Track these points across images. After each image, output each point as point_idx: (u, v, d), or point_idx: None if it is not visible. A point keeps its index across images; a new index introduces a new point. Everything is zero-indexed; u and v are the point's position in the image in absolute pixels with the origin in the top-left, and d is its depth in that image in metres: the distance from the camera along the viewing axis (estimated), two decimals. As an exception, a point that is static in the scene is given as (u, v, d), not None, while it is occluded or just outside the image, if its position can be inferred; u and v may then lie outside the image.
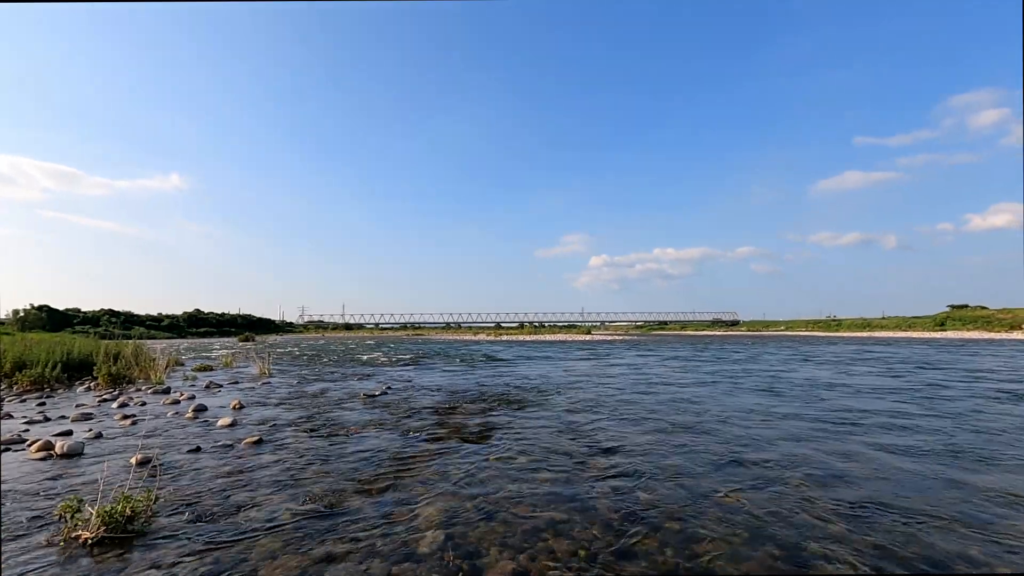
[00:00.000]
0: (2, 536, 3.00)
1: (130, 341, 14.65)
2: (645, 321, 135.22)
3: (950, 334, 60.13)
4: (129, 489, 3.31)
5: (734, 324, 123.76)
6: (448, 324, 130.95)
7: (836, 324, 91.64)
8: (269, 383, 11.53)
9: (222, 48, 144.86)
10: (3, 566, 2.63)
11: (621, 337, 57.08)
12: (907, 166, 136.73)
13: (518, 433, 5.99)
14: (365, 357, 22.47)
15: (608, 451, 5.10)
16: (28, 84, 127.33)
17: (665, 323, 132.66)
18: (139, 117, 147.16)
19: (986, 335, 54.82)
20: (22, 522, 3.19)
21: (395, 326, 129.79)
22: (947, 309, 79.23)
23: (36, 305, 65.75)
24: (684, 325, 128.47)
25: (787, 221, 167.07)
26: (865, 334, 67.63)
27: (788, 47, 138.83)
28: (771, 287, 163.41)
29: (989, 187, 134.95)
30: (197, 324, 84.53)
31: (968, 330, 63.15)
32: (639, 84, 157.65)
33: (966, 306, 77.81)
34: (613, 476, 4.23)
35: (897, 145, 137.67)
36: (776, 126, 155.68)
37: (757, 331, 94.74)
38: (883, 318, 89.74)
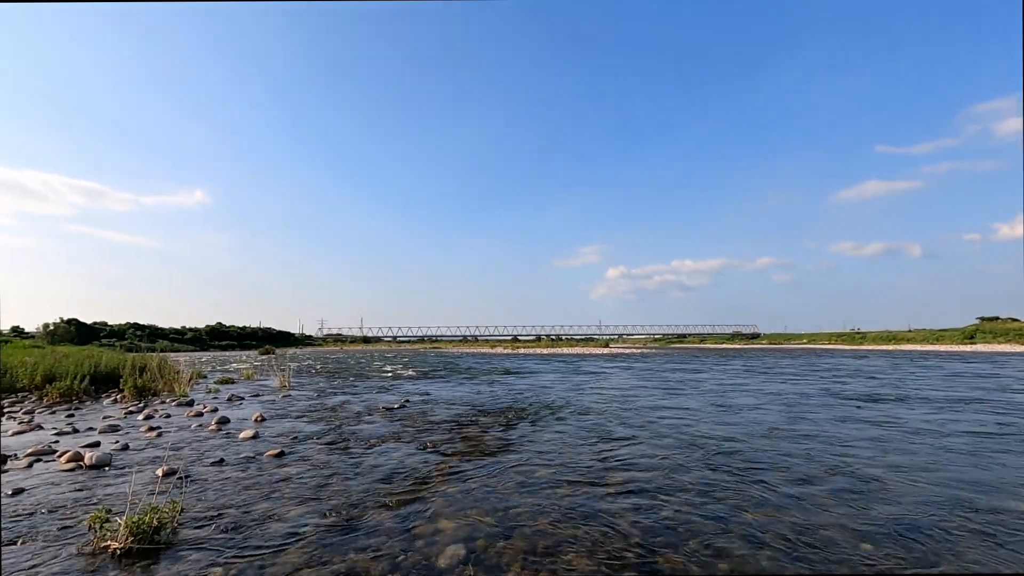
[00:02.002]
0: (2, 537, 3.07)
1: (155, 354, 14.96)
2: (663, 334, 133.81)
3: (980, 347, 58.27)
4: (156, 500, 3.37)
5: (754, 337, 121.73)
6: (465, 337, 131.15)
7: (860, 337, 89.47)
8: (290, 396, 11.65)
9: (244, 62, 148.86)
10: (37, 574, 2.68)
11: (639, 350, 56.49)
12: (931, 174, 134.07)
13: (537, 447, 5.96)
14: (383, 370, 22.59)
15: (628, 466, 5.04)
16: (56, 101, 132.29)
17: (684, 336, 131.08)
18: (164, 132, 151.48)
19: (1019, 348, 53.02)
20: (53, 532, 3.26)
21: (412, 339, 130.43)
22: (977, 321, 76.93)
23: (65, 319, 67.64)
24: (703, 338, 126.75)
25: (808, 231, 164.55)
26: (892, 347, 65.93)
27: (808, 53, 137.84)
28: (792, 298, 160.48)
29: (1016, 195, 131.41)
30: (219, 337, 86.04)
31: (1000, 343, 61.16)
32: (656, 93, 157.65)
33: (997, 318, 75.44)
34: (633, 492, 4.18)
35: (920, 153, 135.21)
36: (795, 134, 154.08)
37: (779, 344, 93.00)
38: (910, 331, 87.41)
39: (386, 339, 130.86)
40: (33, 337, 58.77)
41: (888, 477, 4.59)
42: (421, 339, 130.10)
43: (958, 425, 7.28)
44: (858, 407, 9.28)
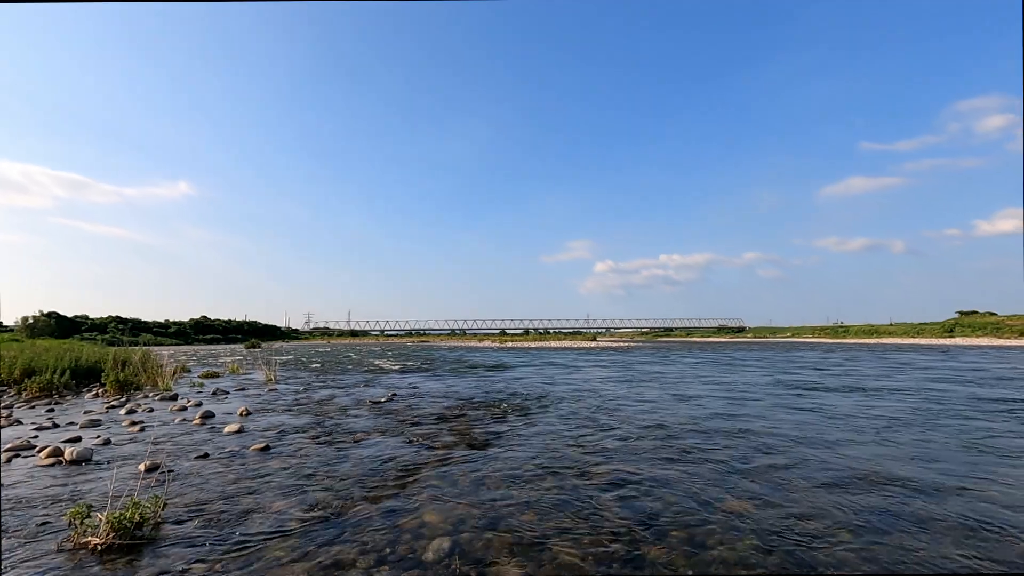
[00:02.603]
0: (2, 539, 3.02)
1: (137, 348, 14.74)
2: (651, 328, 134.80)
3: (959, 341, 59.56)
4: (138, 495, 3.33)
5: (740, 331, 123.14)
6: (453, 331, 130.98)
7: (843, 331, 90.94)
8: (276, 390, 11.57)
9: (229, 57, 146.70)
10: (16, 572, 2.64)
11: (627, 344, 56.84)
12: (914, 171, 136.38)
13: (523, 440, 5.98)
14: (371, 364, 22.50)
15: (612, 458, 5.08)
16: (38, 94, 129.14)
17: (671, 330, 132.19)
18: (148, 125, 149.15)
19: (996, 342, 54.26)
20: (31, 528, 3.21)
21: (400, 333, 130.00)
22: (956, 315, 78.56)
23: (45, 312, 66.31)
24: (690, 332, 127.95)
25: (794, 227, 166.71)
26: (873, 341, 67.08)
27: (794, 52, 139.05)
28: (777, 293, 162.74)
29: (996, 193, 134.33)
30: (204, 331, 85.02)
31: (977, 336, 62.57)
32: (644, 90, 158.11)
33: (975, 312, 77.11)
34: (618, 484, 4.22)
35: (903, 150, 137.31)
36: (782, 131, 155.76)
37: (764, 338, 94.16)
38: (891, 324, 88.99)
39: (374, 333, 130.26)
40: (12, 331, 57.61)
41: (795, 451, 5.44)
42: (409, 333, 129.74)
43: (877, 411, 8.01)
44: (799, 395, 10.12)
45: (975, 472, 4.51)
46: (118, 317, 77.59)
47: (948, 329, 71.62)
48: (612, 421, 7.23)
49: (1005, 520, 3.34)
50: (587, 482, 4.27)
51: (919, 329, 77.30)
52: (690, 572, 2.67)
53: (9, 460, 4.94)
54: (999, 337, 59.32)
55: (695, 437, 6.09)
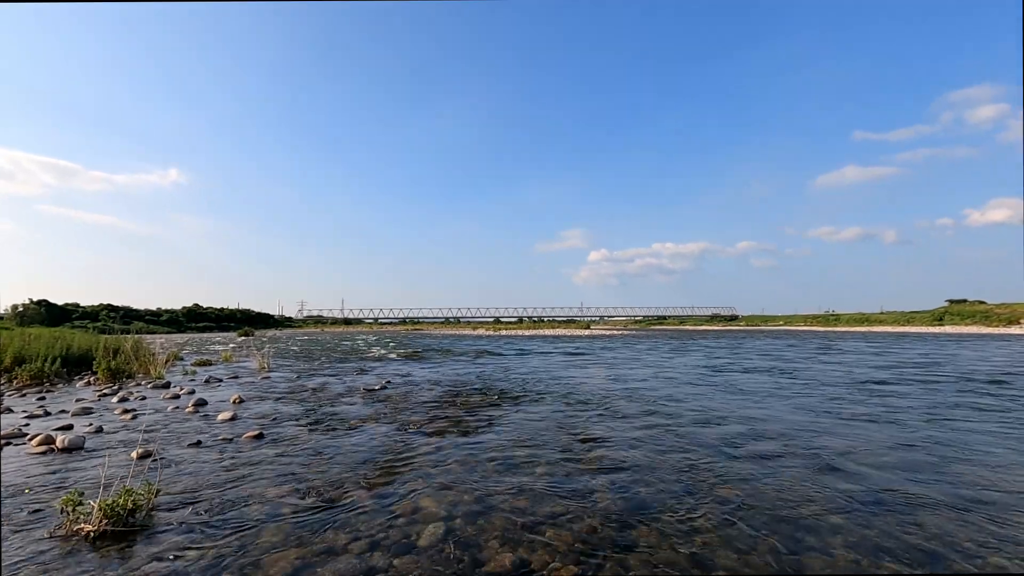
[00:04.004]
0: (2, 532, 3.01)
1: (129, 336, 14.62)
2: (644, 316, 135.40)
3: (948, 329, 60.25)
4: (130, 482, 3.32)
5: (733, 319, 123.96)
6: (447, 319, 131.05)
7: (835, 319, 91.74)
8: (269, 378, 11.55)
9: (219, 43, 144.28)
10: (5, 559, 2.64)
11: (620, 332, 57.12)
12: (907, 161, 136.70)
13: (516, 427, 6.02)
14: (364, 352, 22.49)
15: (603, 443, 5.13)
16: (26, 79, 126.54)
17: (664, 318, 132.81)
18: (138, 112, 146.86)
19: (984, 330, 54.93)
20: (24, 516, 3.21)
21: (394, 321, 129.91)
22: (946, 304, 79.40)
23: (35, 300, 65.66)
24: (683, 320, 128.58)
25: (787, 216, 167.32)
26: (864, 329, 67.73)
27: (787, 41, 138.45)
28: (771, 282, 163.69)
29: (987, 182, 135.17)
30: (196, 319, 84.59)
31: (966, 324, 63.30)
32: (637, 78, 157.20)
33: (965, 301, 77.98)
34: (609, 469, 4.26)
35: (896, 140, 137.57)
36: (776, 120, 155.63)
37: (756, 326, 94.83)
38: (881, 313, 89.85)
39: (367, 321, 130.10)
40: (2, 319, 57.08)
41: (674, 410, 7.34)
42: (403, 321, 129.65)
43: (765, 386, 9.87)
44: (714, 373, 12.27)
45: (733, 407, 6.79)
46: (109, 305, 76.95)
47: (938, 317, 72.40)
48: (593, 404, 7.29)
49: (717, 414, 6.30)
50: (580, 468, 4.31)
51: (909, 317, 78.06)
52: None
53: (0, 448, 4.91)
54: (987, 325, 60.04)
55: (605, 400, 7.91)
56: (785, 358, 17.15)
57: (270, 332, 70.73)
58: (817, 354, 19.03)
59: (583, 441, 5.30)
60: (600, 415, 6.76)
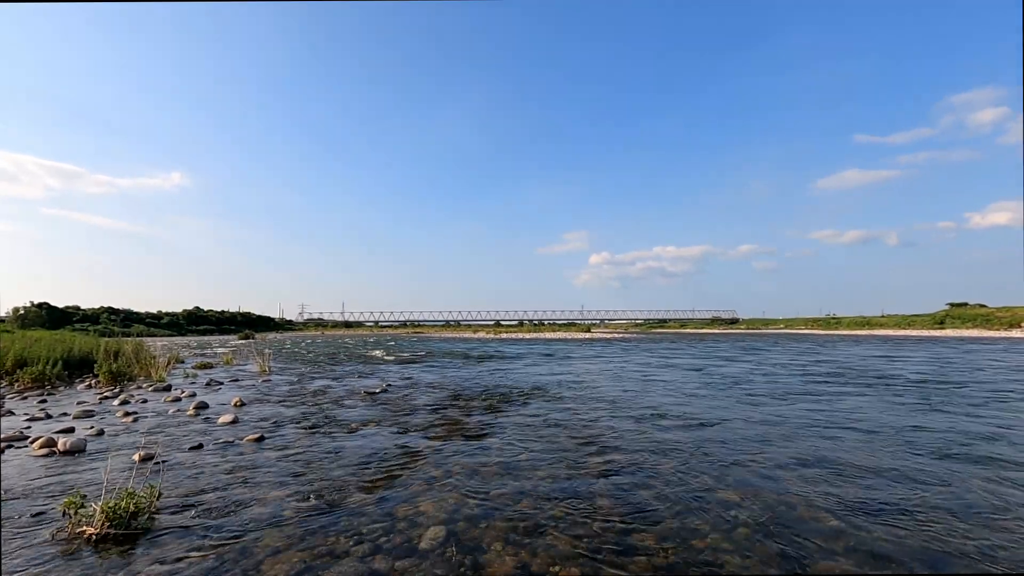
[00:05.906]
0: (2, 534, 3.02)
1: (130, 339, 14.65)
2: (645, 319, 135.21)
3: (949, 332, 60.12)
4: (132, 485, 3.33)
5: (733, 322, 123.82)
6: (448, 322, 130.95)
7: (836, 322, 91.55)
8: (270, 381, 11.55)
9: (222, 45, 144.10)
10: (8, 562, 2.65)
11: (620, 335, 57.09)
12: (908, 163, 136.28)
13: (517, 430, 6.02)
14: (365, 355, 22.49)
15: (605, 448, 5.13)
16: (31, 82, 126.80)
17: (665, 321, 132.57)
18: (142, 115, 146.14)
19: (985, 333, 54.83)
20: (26, 519, 3.21)
21: (395, 324, 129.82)
22: (947, 307, 79.28)
23: (36, 303, 65.67)
24: (684, 323, 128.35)
25: (788, 219, 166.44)
26: (864, 332, 67.63)
27: (788, 43, 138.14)
28: (772, 285, 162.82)
29: (989, 185, 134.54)
30: (197, 322, 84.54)
31: (967, 328, 63.16)
32: (638, 80, 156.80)
33: (965, 304, 77.81)
34: (611, 473, 4.26)
35: (897, 143, 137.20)
36: (777, 123, 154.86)
37: (756, 329, 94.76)
38: (883, 316, 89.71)
39: (368, 324, 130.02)
40: (3, 321, 57.11)
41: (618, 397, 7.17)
42: (403, 324, 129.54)
43: (724, 378, 11.59)
44: (697, 372, 12.44)
45: (737, 412, 5.86)
46: (110, 308, 76.92)
47: (939, 321, 72.24)
48: (597, 406, 7.29)
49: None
50: (581, 472, 4.32)
51: (910, 321, 77.90)
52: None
53: (2, 451, 4.92)
54: (988, 329, 59.90)
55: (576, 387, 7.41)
56: (755, 354, 17.09)
57: (271, 335, 70.68)
58: (801, 355, 18.93)
59: (584, 444, 5.30)
60: (600, 417, 6.76)
